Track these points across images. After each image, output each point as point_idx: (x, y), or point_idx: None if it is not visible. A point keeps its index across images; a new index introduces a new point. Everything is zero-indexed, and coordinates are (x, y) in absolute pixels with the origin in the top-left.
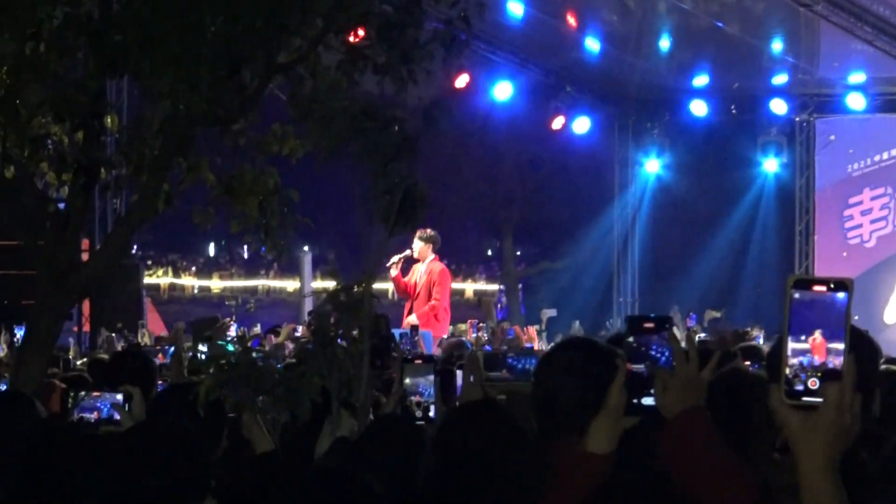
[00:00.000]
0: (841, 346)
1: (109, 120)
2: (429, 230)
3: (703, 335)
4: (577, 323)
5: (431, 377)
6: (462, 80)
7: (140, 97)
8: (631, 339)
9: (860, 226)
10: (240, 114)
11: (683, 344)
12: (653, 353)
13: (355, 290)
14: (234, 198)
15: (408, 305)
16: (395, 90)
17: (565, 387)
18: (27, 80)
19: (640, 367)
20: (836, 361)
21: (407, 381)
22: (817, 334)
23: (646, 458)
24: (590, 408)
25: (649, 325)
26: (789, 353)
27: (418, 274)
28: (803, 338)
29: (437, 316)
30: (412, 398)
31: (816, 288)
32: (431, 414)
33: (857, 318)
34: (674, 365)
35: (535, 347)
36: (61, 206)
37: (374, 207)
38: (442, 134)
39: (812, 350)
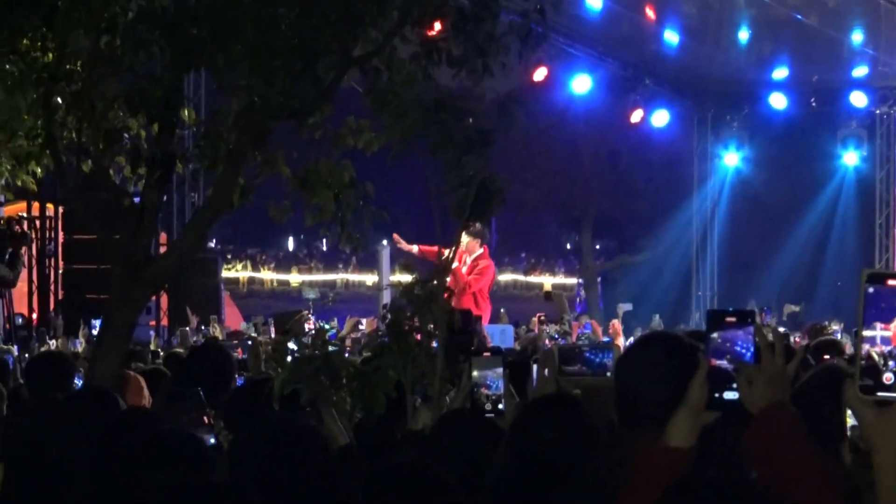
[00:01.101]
0: None
1: (186, 114)
2: (476, 225)
3: (782, 329)
4: (657, 317)
5: (500, 370)
6: (540, 74)
7: (216, 91)
8: (715, 334)
9: None
10: (315, 107)
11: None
12: (738, 348)
13: (430, 284)
14: (310, 191)
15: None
16: (471, 83)
17: (647, 381)
18: (102, 74)
19: (721, 362)
20: None
21: (475, 373)
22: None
23: (726, 453)
24: (671, 402)
25: (731, 318)
26: (876, 341)
27: (465, 267)
28: (881, 326)
29: (478, 304)
30: (481, 390)
31: (891, 282)
32: (501, 406)
33: None
34: (759, 359)
35: (618, 341)
36: (137, 199)
37: (449, 200)
38: (517, 127)
39: (893, 338)
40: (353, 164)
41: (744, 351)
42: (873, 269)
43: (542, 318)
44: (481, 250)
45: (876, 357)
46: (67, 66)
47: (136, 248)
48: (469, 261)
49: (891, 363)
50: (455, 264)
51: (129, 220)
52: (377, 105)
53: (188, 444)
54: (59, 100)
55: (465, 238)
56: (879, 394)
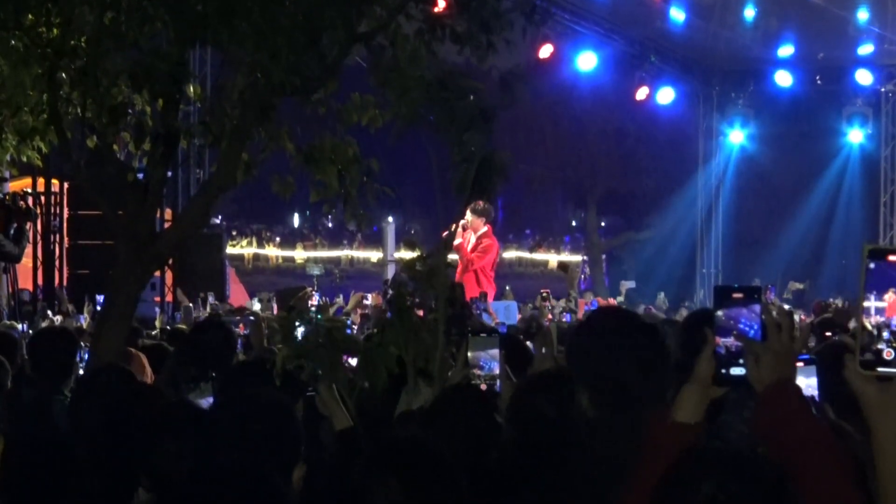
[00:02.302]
0: None
1: (192, 90)
2: (481, 203)
3: (786, 307)
4: (662, 294)
5: (495, 351)
6: (546, 51)
7: (221, 66)
8: (721, 311)
9: None
10: (320, 83)
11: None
12: (744, 325)
13: (431, 259)
14: (314, 167)
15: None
16: (475, 60)
17: (611, 361)
18: (107, 50)
19: (728, 338)
20: None
21: (469, 354)
22: (891, 292)
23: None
24: (635, 381)
25: (738, 295)
26: (870, 312)
27: (470, 244)
28: (875, 297)
29: (479, 282)
30: (474, 371)
31: (892, 258)
32: (497, 388)
33: None
34: (766, 336)
35: None
36: (141, 175)
37: (452, 177)
38: (522, 103)
39: (887, 309)
40: (357, 141)
41: (750, 328)
42: (875, 244)
43: (546, 294)
44: (485, 228)
45: (869, 327)
46: (72, 42)
47: (140, 223)
48: (473, 239)
49: (885, 333)
50: (458, 241)
51: (134, 195)
52: (381, 82)
53: (193, 415)
54: (64, 75)
55: (469, 216)
56: (880, 369)
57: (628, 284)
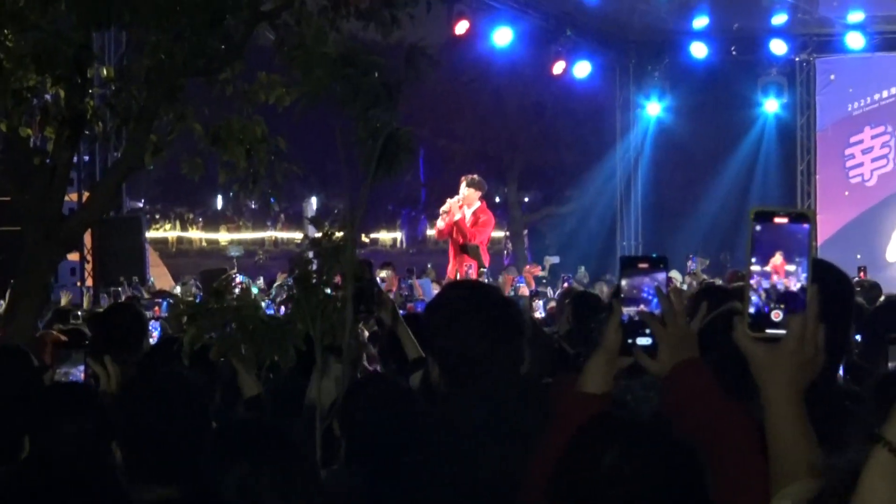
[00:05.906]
0: (793, 267)
1: (105, 71)
2: (475, 176)
3: (704, 277)
4: (583, 268)
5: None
6: (462, 27)
7: (125, 47)
8: (625, 281)
9: (861, 164)
10: (225, 63)
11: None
12: (644, 294)
13: (336, 236)
14: (222, 147)
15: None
16: (380, 35)
17: (457, 336)
18: (9, 33)
19: (632, 308)
20: (792, 284)
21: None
22: (778, 255)
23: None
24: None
25: (643, 265)
26: (752, 277)
27: (468, 220)
28: (761, 266)
29: (481, 257)
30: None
31: (777, 220)
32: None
33: (859, 256)
34: (663, 316)
35: (532, 288)
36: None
37: (357, 154)
38: (424, 78)
39: (772, 273)
40: (271, 121)
41: (652, 297)
42: (760, 206)
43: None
44: (479, 203)
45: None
46: None
47: (48, 206)
48: (469, 213)
49: (753, 298)
50: (458, 216)
51: (40, 180)
52: (287, 60)
53: (83, 396)
54: None
55: (464, 189)
56: (768, 331)
57: (552, 260)
